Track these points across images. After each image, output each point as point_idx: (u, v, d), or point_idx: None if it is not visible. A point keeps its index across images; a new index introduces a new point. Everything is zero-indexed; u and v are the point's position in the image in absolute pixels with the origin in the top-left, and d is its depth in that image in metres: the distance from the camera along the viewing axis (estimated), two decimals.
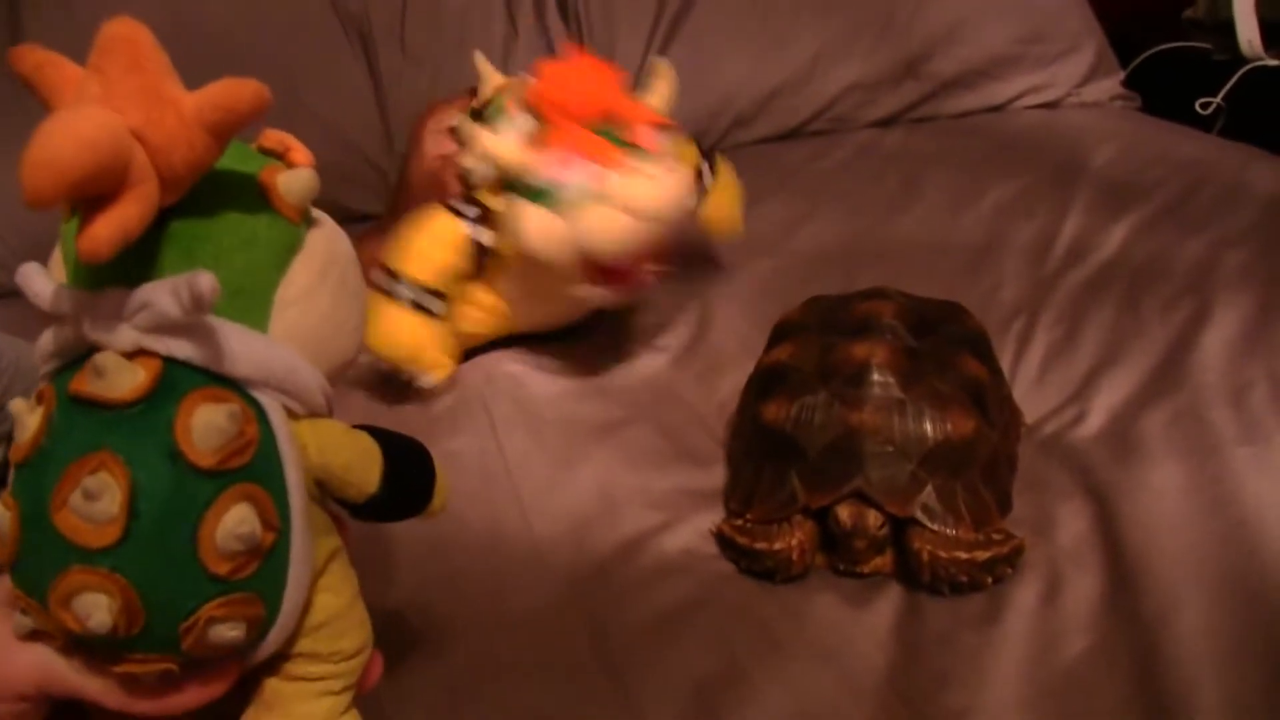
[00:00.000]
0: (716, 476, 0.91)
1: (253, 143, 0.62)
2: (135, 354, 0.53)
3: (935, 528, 0.77)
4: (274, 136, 0.61)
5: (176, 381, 0.52)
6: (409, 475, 0.63)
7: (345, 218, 1.05)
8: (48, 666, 0.54)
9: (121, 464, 0.50)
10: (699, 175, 1.12)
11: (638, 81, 1.12)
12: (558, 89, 1.00)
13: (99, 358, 0.52)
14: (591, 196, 0.95)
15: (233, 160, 0.58)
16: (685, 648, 0.74)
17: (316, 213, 0.62)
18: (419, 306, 1.00)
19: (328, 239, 0.61)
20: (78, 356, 0.54)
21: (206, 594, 0.51)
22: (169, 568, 0.51)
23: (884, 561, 0.79)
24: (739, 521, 0.82)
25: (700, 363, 1.08)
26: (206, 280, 0.51)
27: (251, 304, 0.56)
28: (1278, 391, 0.93)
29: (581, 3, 1.59)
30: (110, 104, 0.51)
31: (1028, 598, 0.76)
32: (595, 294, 1.00)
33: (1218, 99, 1.76)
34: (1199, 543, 0.78)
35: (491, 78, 1.10)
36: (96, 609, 0.50)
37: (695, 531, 0.85)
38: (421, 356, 1.02)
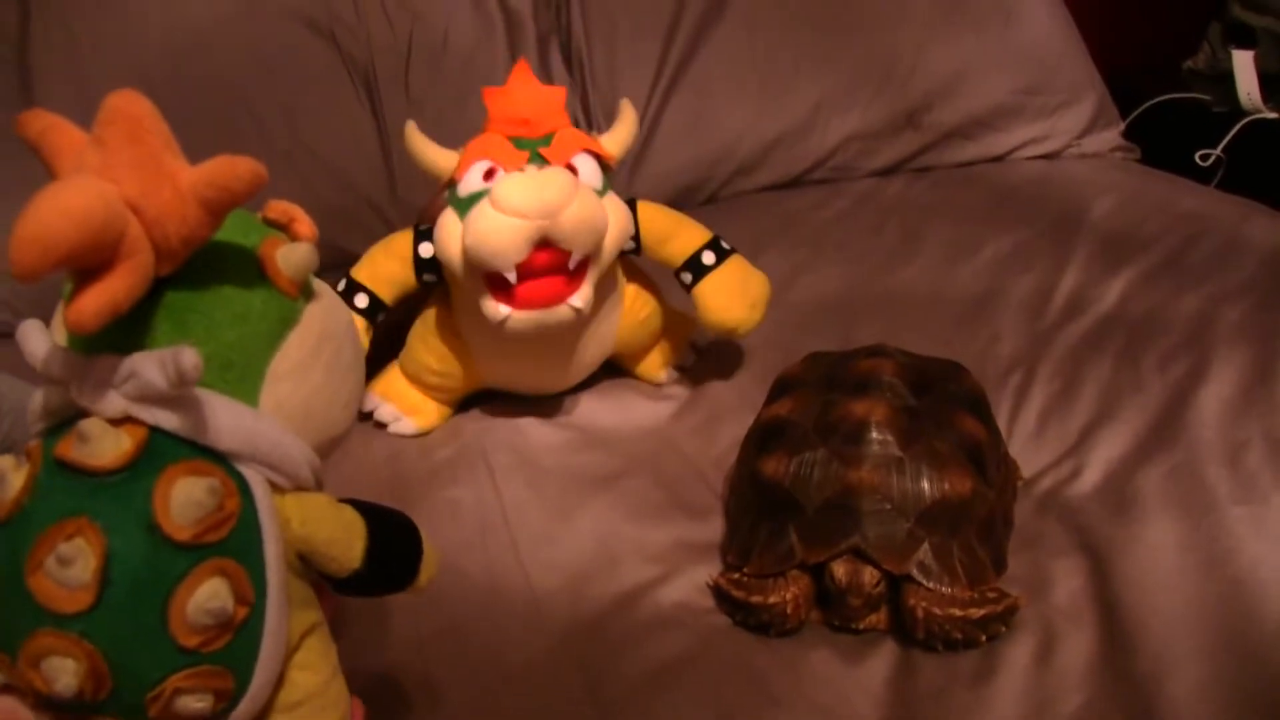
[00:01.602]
0: (714, 529, 0.91)
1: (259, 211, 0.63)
2: (123, 421, 0.53)
3: (931, 585, 0.77)
4: (278, 207, 0.62)
5: (160, 452, 0.53)
6: (393, 551, 0.63)
7: (348, 261, 1.07)
8: (19, 712, 0.54)
9: (98, 531, 0.51)
10: (630, 210, 1.06)
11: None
12: (490, 100, 1.01)
13: (84, 424, 0.53)
14: (479, 198, 0.95)
15: (233, 231, 0.59)
16: (679, 701, 0.74)
17: (317, 284, 0.62)
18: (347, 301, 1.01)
19: (325, 312, 0.61)
20: (68, 418, 0.55)
21: (174, 665, 0.52)
22: (138, 637, 0.51)
23: (879, 618, 0.79)
24: (735, 575, 0.82)
25: (699, 415, 1.09)
26: (189, 356, 0.51)
27: (243, 377, 0.57)
28: (1274, 450, 0.93)
29: (585, 50, 1.60)
30: (108, 174, 0.52)
31: (1021, 656, 0.76)
32: (497, 312, 0.96)
33: (1217, 151, 1.77)
34: (1194, 602, 0.78)
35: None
36: (64, 673, 0.51)
37: (692, 585, 0.85)
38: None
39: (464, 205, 0.97)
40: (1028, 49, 1.73)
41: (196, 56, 1.45)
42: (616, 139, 1.05)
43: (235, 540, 0.54)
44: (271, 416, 0.58)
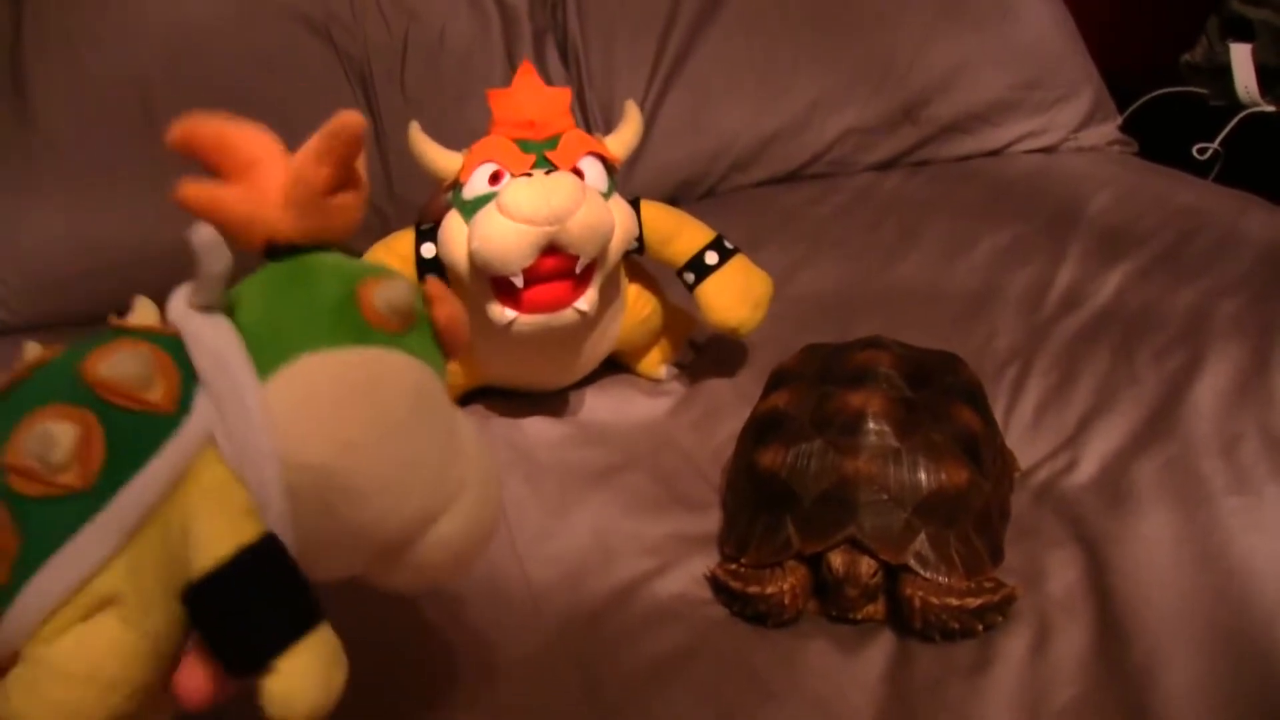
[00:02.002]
0: (711, 522, 0.91)
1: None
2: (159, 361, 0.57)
3: (928, 575, 0.77)
4: (437, 286, 0.65)
5: (157, 340, 0.57)
6: (253, 598, 0.52)
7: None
8: None
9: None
10: (635, 208, 1.06)
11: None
12: (495, 102, 1.01)
13: (113, 319, 0.60)
14: (486, 201, 0.95)
15: (370, 262, 0.66)
16: (677, 695, 0.74)
17: (423, 360, 0.61)
18: None
19: (398, 361, 0.59)
20: None
21: None
22: None
23: (876, 609, 0.79)
24: (733, 566, 0.83)
25: (697, 408, 1.09)
26: (206, 229, 0.55)
27: (273, 343, 0.57)
28: (1268, 443, 0.93)
29: (582, 47, 1.61)
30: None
31: (1017, 647, 0.76)
32: (503, 316, 0.96)
33: (1214, 144, 1.77)
34: (1188, 594, 0.79)
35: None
36: None
37: (689, 577, 0.85)
38: None
39: (469, 208, 0.97)
40: (1025, 44, 1.74)
41: (193, 55, 1.45)
42: (621, 141, 1.05)
43: (125, 425, 0.54)
44: (268, 391, 0.56)
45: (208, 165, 0.62)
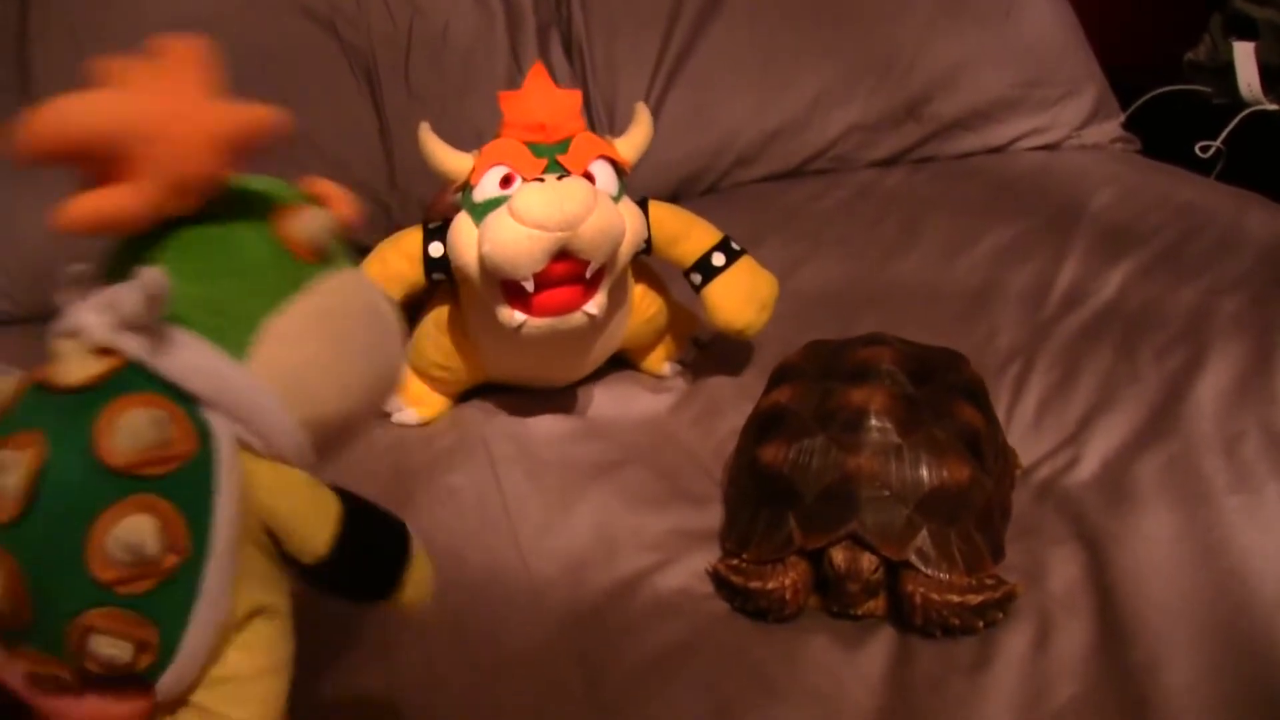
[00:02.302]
0: (713, 517, 0.92)
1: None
2: (105, 352, 0.53)
3: (929, 572, 0.77)
4: (321, 184, 0.61)
5: (125, 382, 0.52)
6: (369, 548, 0.59)
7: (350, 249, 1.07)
8: None
9: (40, 446, 0.50)
10: (644, 208, 1.05)
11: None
12: (506, 104, 1.00)
13: (60, 341, 0.52)
14: (496, 205, 0.95)
15: (261, 189, 0.58)
16: (678, 689, 0.74)
17: (352, 268, 0.61)
18: None
19: (343, 290, 0.60)
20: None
21: (89, 598, 0.50)
22: (56, 559, 0.50)
23: (877, 605, 0.80)
24: (734, 561, 0.83)
25: (698, 404, 1.09)
26: (155, 277, 0.51)
27: (233, 327, 0.55)
28: (1270, 441, 0.93)
29: (585, 42, 1.61)
30: (138, 92, 0.52)
31: (1018, 644, 0.76)
32: (513, 319, 0.96)
33: (1217, 142, 1.77)
34: (1189, 592, 0.79)
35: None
36: None
37: (691, 572, 0.85)
38: None
39: (480, 211, 0.96)
40: (1028, 41, 1.74)
41: None
42: (632, 144, 1.04)
43: (179, 484, 0.52)
44: (254, 373, 0.56)
45: (81, 169, 0.53)
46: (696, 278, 1.08)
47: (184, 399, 0.53)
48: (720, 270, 1.07)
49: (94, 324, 0.52)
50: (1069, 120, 1.74)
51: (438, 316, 1.07)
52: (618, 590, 0.84)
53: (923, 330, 0.98)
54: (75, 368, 0.52)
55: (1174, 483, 0.90)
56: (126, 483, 0.51)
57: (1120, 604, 0.78)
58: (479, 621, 0.81)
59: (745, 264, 1.09)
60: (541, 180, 0.95)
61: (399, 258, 1.04)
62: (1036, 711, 0.71)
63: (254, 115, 0.55)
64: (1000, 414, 0.99)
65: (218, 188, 0.56)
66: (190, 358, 0.54)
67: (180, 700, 0.55)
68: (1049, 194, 1.54)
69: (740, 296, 1.07)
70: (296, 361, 0.57)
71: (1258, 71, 1.81)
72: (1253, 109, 1.78)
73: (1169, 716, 0.69)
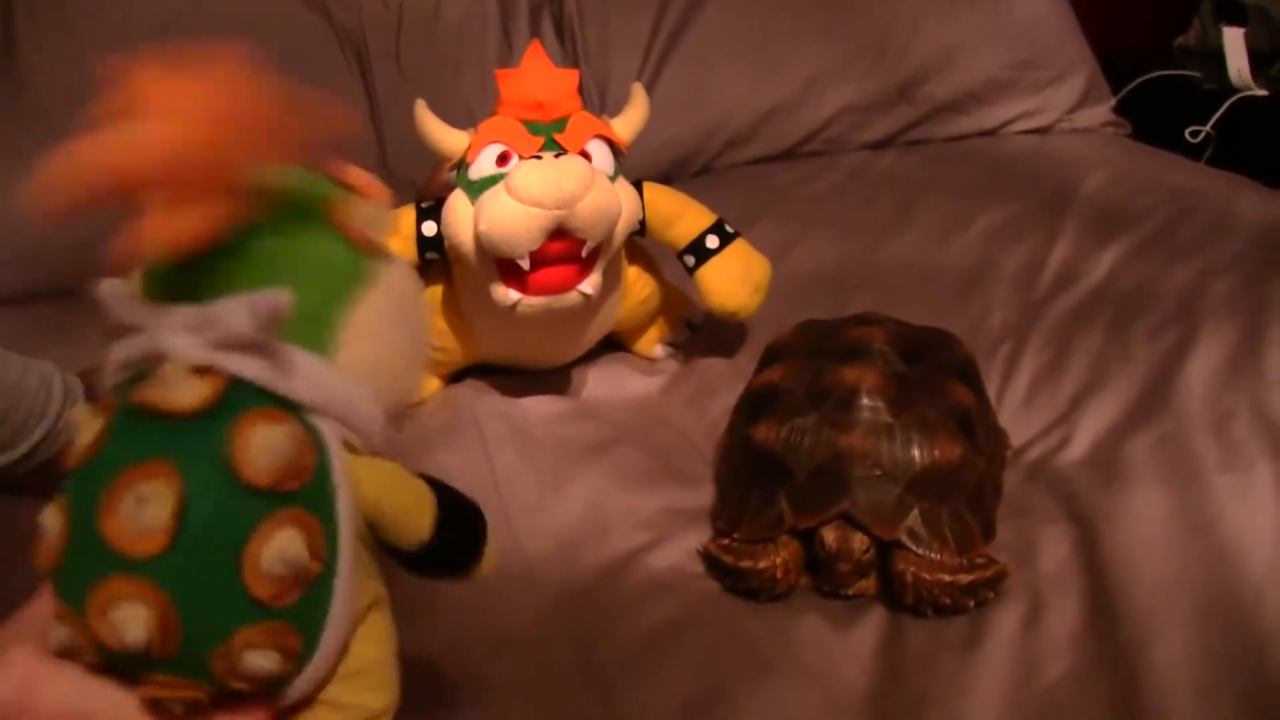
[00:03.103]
0: (705, 497, 0.92)
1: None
2: (201, 371, 0.52)
3: (920, 551, 0.78)
4: (356, 173, 0.60)
5: (239, 399, 0.52)
6: (461, 528, 0.61)
7: None
8: (76, 705, 0.51)
9: (175, 473, 0.49)
10: (638, 189, 1.05)
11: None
12: (503, 82, 1.00)
13: (164, 367, 0.51)
14: (493, 183, 0.94)
15: (312, 188, 0.58)
16: (671, 667, 0.74)
17: (390, 250, 0.62)
18: None
19: (400, 275, 0.60)
20: (143, 371, 0.53)
21: (245, 617, 0.50)
22: (211, 584, 0.50)
23: (868, 584, 0.80)
24: (726, 541, 0.83)
25: (690, 385, 1.09)
26: (283, 299, 0.50)
27: (319, 331, 0.56)
28: (1259, 420, 0.94)
29: (577, 21, 1.60)
30: (179, 104, 0.50)
31: (1009, 622, 0.77)
32: (508, 298, 0.96)
33: (1207, 127, 1.78)
34: (1179, 570, 0.79)
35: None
36: (134, 621, 0.49)
37: (683, 551, 0.86)
38: None
39: (475, 189, 0.96)
40: (1020, 25, 1.74)
41: (185, 26, 1.44)
42: (629, 124, 1.04)
43: (310, 493, 0.52)
44: (344, 372, 0.56)
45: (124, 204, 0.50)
46: (690, 260, 1.07)
47: (293, 408, 0.54)
48: (714, 253, 1.07)
49: (191, 345, 0.52)
50: (1060, 103, 1.74)
51: (431, 297, 1.07)
52: (610, 569, 0.84)
53: (915, 311, 0.98)
54: (185, 391, 0.51)
55: (1164, 462, 0.90)
56: (269, 500, 0.51)
57: (1110, 582, 0.79)
58: (471, 601, 0.81)
59: (739, 247, 1.08)
60: (539, 158, 0.94)
61: (391, 237, 1.03)
62: (1027, 689, 0.72)
63: (316, 110, 0.53)
64: (992, 394, 0.99)
65: (276, 190, 0.55)
66: (299, 369, 0.54)
67: (311, 699, 0.56)
68: (1041, 177, 1.54)
69: (734, 279, 1.07)
70: (377, 354, 0.58)
71: (1247, 57, 1.81)
72: (1242, 94, 1.79)
73: (1159, 693, 0.69)
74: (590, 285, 0.96)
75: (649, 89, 1.57)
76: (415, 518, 0.58)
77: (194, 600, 0.50)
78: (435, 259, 1.04)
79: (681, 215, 1.08)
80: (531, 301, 0.96)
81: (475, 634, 0.78)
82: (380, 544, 0.59)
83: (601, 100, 1.57)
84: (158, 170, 0.48)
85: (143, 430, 0.51)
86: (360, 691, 0.57)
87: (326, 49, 1.50)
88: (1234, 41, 1.82)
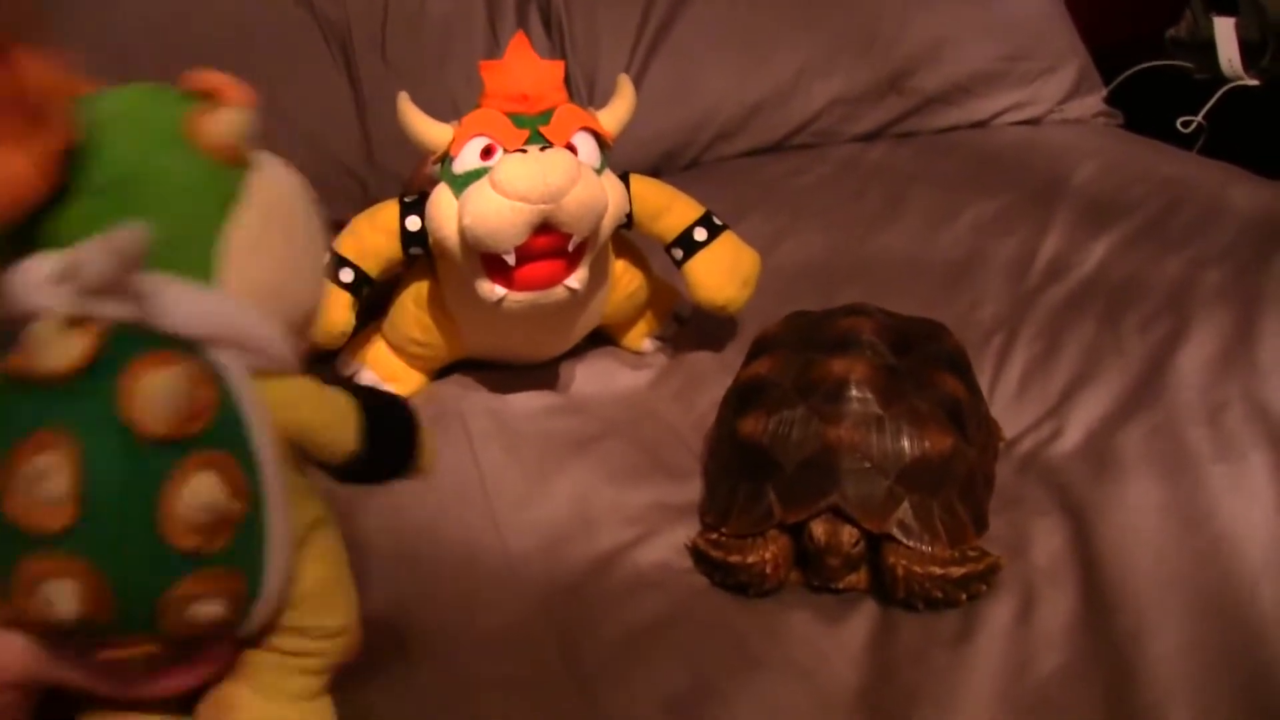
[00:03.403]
0: (693, 491, 0.91)
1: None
2: (77, 322, 0.49)
3: (911, 544, 0.77)
4: (203, 78, 0.57)
5: (121, 347, 0.49)
6: (389, 430, 0.60)
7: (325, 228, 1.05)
8: (35, 654, 0.51)
9: (69, 440, 0.48)
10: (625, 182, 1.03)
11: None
12: (487, 74, 0.99)
13: (35, 327, 0.49)
14: (477, 176, 0.93)
15: (158, 104, 0.55)
16: (657, 663, 0.73)
17: (262, 155, 0.58)
18: (332, 276, 0.99)
19: (274, 180, 0.58)
20: (8, 332, 0.51)
21: (177, 570, 0.49)
22: (132, 545, 0.48)
23: (859, 578, 0.79)
24: (714, 535, 0.82)
25: (679, 378, 1.08)
26: (139, 231, 0.48)
27: (197, 258, 0.54)
28: (1252, 410, 0.93)
29: (564, 15, 1.59)
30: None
31: (1002, 615, 0.76)
32: (493, 293, 0.94)
33: (1199, 118, 1.77)
34: (1173, 561, 0.78)
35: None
36: (62, 596, 0.47)
37: (670, 546, 0.85)
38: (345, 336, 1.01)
39: (460, 183, 0.95)
40: (1011, 15, 1.73)
41: (173, 25, 1.43)
42: (615, 116, 1.02)
43: (218, 430, 0.51)
44: (234, 296, 0.55)
45: None
46: (678, 253, 1.06)
47: (183, 345, 0.51)
48: (702, 245, 1.06)
49: (58, 297, 0.49)
50: (1051, 95, 1.73)
51: (416, 293, 1.05)
52: (596, 565, 0.83)
53: (906, 303, 0.97)
54: (61, 350, 0.48)
55: (1157, 453, 0.90)
56: (173, 448, 0.49)
57: (1104, 574, 0.78)
58: (455, 597, 0.80)
59: (728, 239, 1.07)
60: (524, 151, 0.93)
61: (374, 232, 1.02)
62: (1020, 682, 0.71)
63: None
64: (983, 386, 0.98)
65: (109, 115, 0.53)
66: (175, 303, 0.52)
67: (272, 626, 0.56)
68: (1032, 168, 1.53)
69: (722, 272, 1.06)
70: (263, 269, 0.56)
71: (1238, 47, 1.81)
72: (1233, 84, 1.78)
73: (1153, 685, 0.69)
74: (577, 280, 0.95)
75: (637, 82, 1.56)
76: (338, 430, 0.57)
77: (119, 565, 0.48)
78: (419, 254, 1.03)
79: (669, 208, 1.07)
80: (517, 297, 0.94)
81: (459, 629, 0.77)
82: (311, 460, 0.57)
83: (589, 93, 1.56)
84: None
85: (25, 400, 0.49)
86: (314, 612, 0.57)
87: (311, 42, 1.49)
88: (1224, 31, 1.82)
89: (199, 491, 0.49)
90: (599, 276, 1.04)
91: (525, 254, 0.93)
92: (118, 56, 1.36)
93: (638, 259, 1.11)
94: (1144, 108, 1.80)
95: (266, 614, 0.54)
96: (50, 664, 0.52)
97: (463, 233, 0.93)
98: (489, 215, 0.90)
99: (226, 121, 0.55)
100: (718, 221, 1.08)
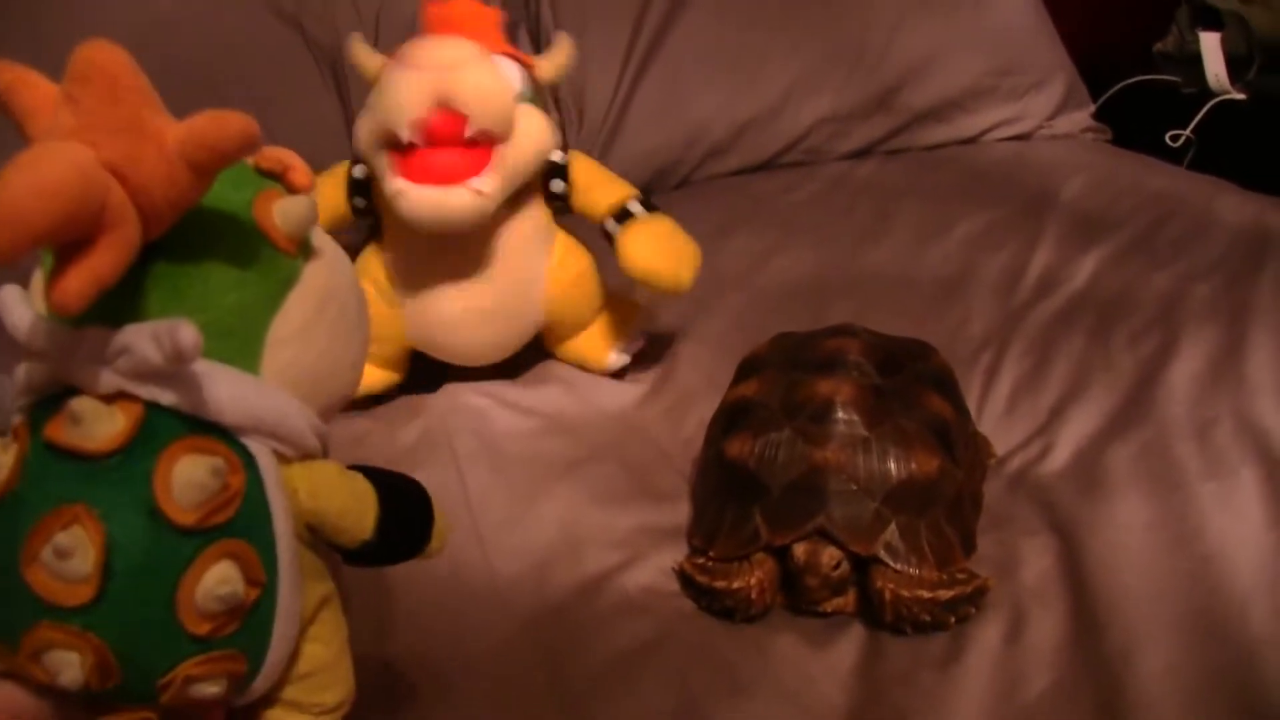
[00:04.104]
0: (681, 513, 0.90)
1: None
2: (116, 397, 0.50)
3: (898, 567, 0.76)
4: (272, 155, 0.58)
5: (158, 430, 0.50)
6: (405, 518, 0.61)
7: None
8: (22, 700, 0.51)
9: (97, 519, 0.48)
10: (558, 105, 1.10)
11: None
12: (428, 13, 1.03)
13: (76, 403, 0.50)
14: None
15: (225, 186, 0.55)
16: (644, 688, 0.73)
17: (319, 239, 0.59)
18: None
19: (328, 269, 0.58)
20: (54, 394, 0.52)
21: (185, 653, 0.50)
22: (146, 628, 0.49)
23: (846, 601, 0.78)
24: (700, 559, 0.81)
25: (667, 399, 1.08)
26: (188, 333, 0.48)
27: (243, 345, 0.54)
28: (1242, 427, 0.93)
29: (554, 33, 1.59)
30: (84, 137, 0.48)
31: (990, 636, 0.75)
32: (395, 185, 0.96)
33: (1187, 132, 1.77)
34: (1163, 580, 0.78)
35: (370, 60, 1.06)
36: (67, 666, 0.48)
37: (657, 569, 0.84)
38: None
39: None
40: (998, 31, 1.73)
41: (160, 44, 1.43)
42: (549, 61, 1.07)
43: (243, 519, 0.52)
44: (274, 385, 0.55)
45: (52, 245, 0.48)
46: (611, 225, 1.05)
47: (217, 430, 0.52)
48: (636, 218, 1.05)
49: (104, 375, 0.50)
50: (1040, 110, 1.73)
51: (362, 264, 1.06)
52: (582, 588, 0.82)
53: (895, 319, 0.97)
54: (103, 428, 0.49)
55: (1147, 470, 0.89)
56: (198, 537, 0.50)
57: (1093, 593, 0.77)
58: (440, 619, 0.79)
59: (664, 219, 1.06)
60: None
61: (325, 181, 1.04)
62: (1010, 704, 0.70)
63: (213, 127, 0.50)
64: (972, 403, 0.98)
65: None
66: (216, 390, 0.52)
67: (269, 699, 0.56)
68: (1021, 183, 1.53)
69: (656, 245, 1.04)
70: (309, 358, 0.57)
71: (1224, 61, 1.81)
72: (1221, 98, 1.79)
73: (1143, 704, 0.68)
74: (484, 185, 0.96)
75: (627, 101, 1.58)
76: (356, 520, 0.57)
77: (130, 644, 0.49)
78: (362, 205, 1.05)
79: (607, 182, 1.08)
80: (420, 193, 0.96)
81: (445, 653, 0.77)
82: (324, 542, 0.58)
83: (580, 115, 1.56)
84: (71, 210, 0.46)
85: (58, 470, 0.50)
86: (314, 690, 0.57)
87: (301, 64, 1.49)
88: (1211, 46, 1.82)
89: (218, 581, 0.50)
90: (536, 243, 1.05)
91: (426, 140, 0.96)
92: None
93: (580, 245, 1.10)
94: (1132, 122, 1.81)
95: (262, 690, 0.55)
96: (44, 712, 0.52)
97: (369, 119, 0.98)
98: (386, 88, 0.96)
99: (293, 213, 0.56)
100: (656, 205, 1.08)
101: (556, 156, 1.05)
